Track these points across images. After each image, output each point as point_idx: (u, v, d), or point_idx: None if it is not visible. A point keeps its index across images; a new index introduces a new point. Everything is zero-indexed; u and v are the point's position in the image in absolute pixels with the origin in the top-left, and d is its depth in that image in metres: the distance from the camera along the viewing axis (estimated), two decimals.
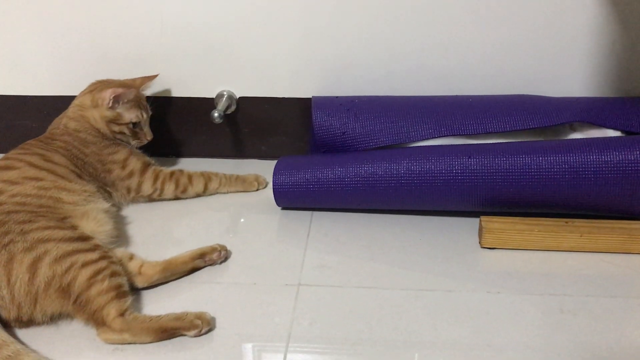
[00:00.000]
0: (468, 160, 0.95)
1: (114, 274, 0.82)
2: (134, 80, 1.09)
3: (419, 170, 0.96)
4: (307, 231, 1.01)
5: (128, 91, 1.03)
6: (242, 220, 1.04)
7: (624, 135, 1.00)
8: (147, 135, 1.09)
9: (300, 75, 1.14)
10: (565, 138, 1.02)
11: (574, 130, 1.01)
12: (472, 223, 1.00)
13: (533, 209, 0.97)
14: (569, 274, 0.89)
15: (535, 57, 1.07)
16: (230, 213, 1.06)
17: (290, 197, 1.03)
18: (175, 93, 1.17)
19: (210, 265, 0.93)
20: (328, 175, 1.00)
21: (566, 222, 0.94)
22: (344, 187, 0.99)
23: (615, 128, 0.99)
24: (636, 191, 0.91)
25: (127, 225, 1.04)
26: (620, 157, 0.90)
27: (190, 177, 1.09)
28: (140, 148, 1.10)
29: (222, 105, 1.13)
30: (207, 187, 1.09)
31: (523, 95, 1.06)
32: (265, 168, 1.17)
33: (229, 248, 0.96)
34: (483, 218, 0.95)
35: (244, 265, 0.93)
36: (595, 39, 1.04)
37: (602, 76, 1.08)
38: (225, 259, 0.94)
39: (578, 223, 0.94)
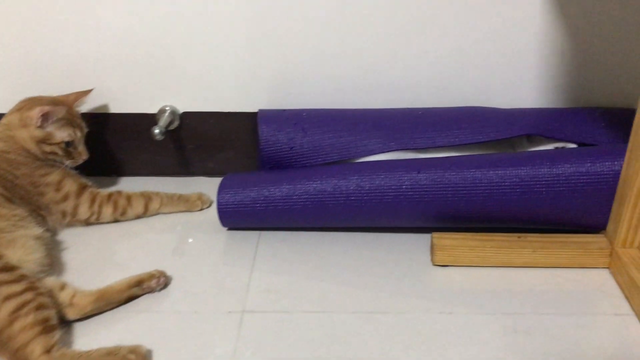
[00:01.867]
0: (417, 175, 0.92)
1: (40, 307, 0.76)
2: (67, 96, 1.02)
3: (368, 187, 0.93)
4: (254, 253, 0.96)
5: (58, 108, 0.97)
6: (184, 242, 0.99)
7: (575, 147, 0.99)
8: (83, 155, 1.03)
9: (247, 88, 1.09)
10: (520, 150, 1.00)
11: (530, 141, 0.99)
12: (425, 239, 0.97)
13: (486, 223, 0.94)
14: (523, 291, 0.87)
15: (485, 68, 1.05)
16: (173, 235, 1.01)
17: (235, 217, 0.98)
18: (114, 109, 1.11)
19: (149, 292, 0.87)
20: (275, 194, 0.96)
21: (519, 237, 0.91)
22: (292, 205, 0.95)
23: (566, 140, 0.98)
24: (589, 205, 0.89)
25: (63, 251, 0.98)
26: (572, 170, 0.88)
27: (129, 199, 1.03)
28: (76, 168, 1.03)
29: (163, 121, 1.08)
30: (148, 208, 1.04)
31: (473, 107, 1.04)
32: (213, 186, 1.11)
33: (169, 273, 0.91)
34: (434, 235, 0.92)
35: (185, 292, 0.88)
36: (545, 49, 1.03)
37: (553, 87, 1.06)
38: (165, 285, 0.89)
39: (531, 238, 0.91)
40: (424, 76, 1.06)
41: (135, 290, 0.86)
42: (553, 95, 1.07)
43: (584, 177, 0.88)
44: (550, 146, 0.98)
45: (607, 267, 0.90)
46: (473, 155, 0.95)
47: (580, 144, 0.99)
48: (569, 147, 0.97)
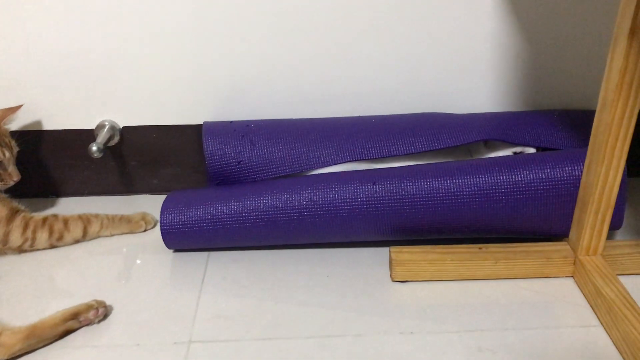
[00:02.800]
0: (373, 187, 0.87)
1: None
2: None
3: (322, 201, 0.88)
4: (202, 275, 0.90)
5: None
6: (127, 267, 0.92)
7: (534, 151, 0.96)
8: (13, 176, 0.95)
9: (191, 99, 1.03)
10: (477, 156, 0.96)
11: (488, 147, 0.96)
12: (384, 253, 0.92)
13: (446, 235, 0.90)
14: (486, 305, 0.83)
15: (440, 73, 1.01)
16: (114, 259, 0.94)
17: (181, 238, 0.91)
18: (48, 125, 1.04)
19: (87, 325, 0.80)
20: (223, 211, 0.90)
21: (480, 249, 0.87)
22: (242, 223, 0.89)
23: (525, 145, 0.94)
24: (550, 212, 0.86)
25: None
26: (531, 177, 0.85)
27: (66, 222, 0.95)
28: (7, 191, 0.96)
29: (102, 137, 1.01)
30: (87, 231, 0.96)
31: (429, 113, 1.00)
32: (157, 204, 1.03)
33: (110, 301, 0.84)
34: (392, 249, 0.88)
35: (126, 323, 0.81)
36: (499, 52, 1.00)
37: (509, 90, 1.03)
38: (105, 316, 0.82)
39: (492, 248, 0.88)
40: (377, 83, 1.02)
41: (71, 324, 0.79)
42: (510, 98, 1.04)
43: (544, 183, 0.85)
44: (508, 151, 0.95)
45: (572, 276, 0.87)
46: (430, 164, 0.91)
47: (539, 149, 0.96)
48: (527, 152, 0.94)
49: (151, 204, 1.06)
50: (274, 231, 0.90)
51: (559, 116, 1.00)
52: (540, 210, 0.86)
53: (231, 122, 0.99)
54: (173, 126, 1.05)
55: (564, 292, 0.85)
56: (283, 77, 1.01)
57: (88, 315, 0.79)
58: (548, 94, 1.04)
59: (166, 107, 1.04)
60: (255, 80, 1.01)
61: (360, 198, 0.87)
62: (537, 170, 0.85)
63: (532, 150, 0.95)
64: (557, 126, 0.98)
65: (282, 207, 0.89)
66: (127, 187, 1.11)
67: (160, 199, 1.01)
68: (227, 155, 0.94)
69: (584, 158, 0.84)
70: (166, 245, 0.93)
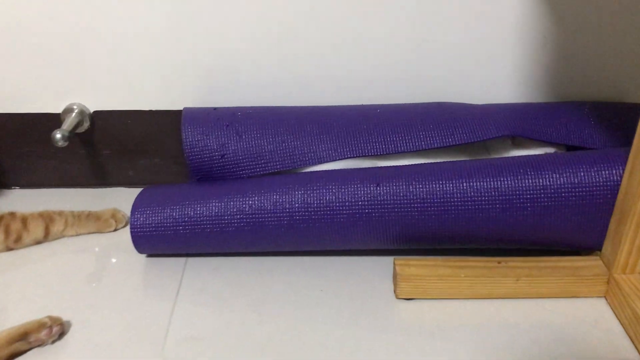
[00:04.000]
0: (377, 189, 0.75)
1: None
2: None
3: (316, 203, 0.76)
4: (178, 286, 0.78)
5: None
6: (91, 274, 0.80)
7: (562, 152, 0.84)
8: None
9: (171, 81, 0.90)
10: (497, 155, 0.84)
11: (515, 145, 0.83)
12: (387, 264, 0.81)
13: (459, 245, 0.79)
14: (504, 328, 0.71)
15: (454, 55, 0.88)
16: (79, 264, 0.82)
17: (154, 243, 0.79)
18: (7, 108, 0.91)
19: (39, 346, 0.69)
20: (202, 213, 0.78)
21: (499, 263, 0.75)
22: (224, 227, 0.77)
23: (552, 142, 0.82)
24: (582, 222, 0.74)
25: None
26: (562, 181, 0.73)
27: (25, 221, 0.83)
28: None
29: (69, 123, 0.88)
30: (49, 231, 0.84)
31: (442, 103, 0.87)
32: (134, 198, 0.93)
33: (69, 317, 0.72)
34: (397, 261, 0.76)
35: (85, 344, 0.69)
36: (523, 33, 0.87)
37: (534, 78, 0.90)
38: (61, 335, 0.70)
39: (513, 263, 0.76)
40: (384, 67, 0.89)
41: (19, 345, 0.67)
42: (534, 88, 0.91)
43: (577, 189, 0.72)
44: (538, 151, 0.82)
45: (604, 297, 0.75)
46: (443, 163, 0.78)
47: (567, 147, 0.84)
48: (556, 153, 0.82)
49: (126, 198, 0.94)
50: (261, 237, 0.78)
51: (590, 110, 0.87)
52: (572, 221, 0.74)
53: (215, 108, 0.86)
54: (151, 111, 0.93)
55: (595, 315, 0.73)
56: (276, 58, 0.88)
57: (40, 335, 0.68)
58: (578, 84, 0.91)
59: (143, 89, 0.91)
60: (244, 60, 0.89)
61: (361, 201, 0.75)
62: (569, 174, 0.73)
63: (557, 150, 0.83)
64: (588, 121, 0.85)
65: (270, 209, 0.76)
66: (99, 179, 0.98)
67: (136, 192, 0.89)
68: (210, 148, 0.82)
69: (625, 160, 0.71)
70: (137, 250, 0.81)
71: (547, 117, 0.85)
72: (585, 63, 0.89)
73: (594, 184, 0.72)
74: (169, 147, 0.95)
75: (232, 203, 0.77)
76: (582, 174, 0.73)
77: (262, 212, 0.77)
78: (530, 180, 0.73)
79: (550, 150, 0.83)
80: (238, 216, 0.77)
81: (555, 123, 0.84)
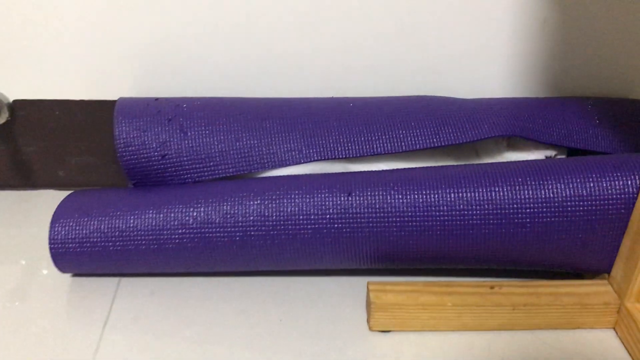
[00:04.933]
0: (348, 199, 0.62)
1: None
2: None
3: (276, 215, 0.63)
4: (107, 314, 0.64)
5: None
6: (2, 295, 0.66)
7: (562, 154, 0.72)
8: None
9: (106, 66, 0.76)
10: (487, 158, 0.72)
11: (511, 147, 0.71)
12: (359, 287, 0.68)
13: (445, 265, 0.67)
14: None
15: (441, 42, 0.76)
16: None
17: (78, 261, 0.66)
18: None
19: None
20: (137, 226, 0.64)
21: (492, 288, 0.64)
22: (163, 244, 0.64)
23: (554, 145, 0.70)
24: (590, 240, 0.62)
25: None
26: (568, 192, 0.61)
27: None
28: None
29: None
30: None
31: (426, 97, 0.75)
32: None
33: None
34: (371, 286, 0.63)
35: None
36: (520, 20, 0.74)
37: (530, 70, 0.78)
38: None
39: (508, 288, 0.64)
40: (358, 53, 0.76)
41: None
42: (530, 80, 0.79)
43: (586, 202, 0.61)
44: (537, 154, 0.71)
45: (613, 328, 0.64)
46: (426, 168, 0.66)
47: (569, 150, 0.72)
48: (560, 158, 0.70)
49: (56, 203, 0.79)
50: (208, 256, 0.65)
51: (594, 106, 0.75)
52: (578, 239, 0.62)
53: (156, 99, 0.72)
54: (83, 102, 0.78)
55: (603, 350, 0.62)
56: (233, 40, 0.75)
57: None
58: (580, 77, 0.79)
59: (73, 75, 0.77)
60: (193, 41, 0.75)
61: (329, 214, 0.63)
62: (576, 184, 0.61)
63: (562, 153, 0.72)
64: (592, 120, 0.74)
65: (220, 222, 0.63)
66: (23, 179, 0.84)
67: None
68: (147, 146, 0.68)
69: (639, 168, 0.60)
70: (58, 269, 0.67)
71: (547, 114, 0.73)
72: (589, 52, 0.78)
73: (606, 197, 0.61)
74: (105, 144, 0.81)
75: (172, 214, 0.64)
76: (591, 184, 0.61)
77: (210, 225, 0.63)
78: (530, 192, 0.61)
79: (550, 153, 0.72)
80: (180, 230, 0.64)
81: (555, 121, 0.72)
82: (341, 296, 0.67)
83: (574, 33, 0.76)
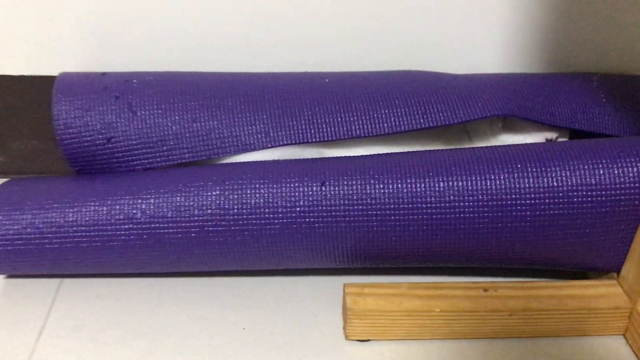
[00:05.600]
0: (322, 190, 0.54)
1: None
2: None
3: (238, 208, 0.54)
4: (43, 322, 0.56)
5: None
6: None
7: (564, 137, 0.64)
8: None
9: (49, 36, 0.67)
10: (481, 141, 0.64)
11: (506, 128, 0.63)
12: (335, 287, 0.60)
13: (432, 264, 0.58)
14: None
15: (429, 9, 0.67)
16: None
17: (11, 260, 0.57)
18: None
19: None
20: (76, 220, 0.55)
21: (485, 291, 0.55)
22: (107, 241, 0.55)
23: (556, 126, 0.62)
24: (598, 235, 0.54)
25: None
26: (574, 181, 0.53)
27: None
28: None
29: None
30: None
31: (411, 72, 0.66)
32: None
33: None
34: (348, 289, 0.55)
35: None
36: None
37: (528, 42, 0.70)
38: None
39: (505, 291, 0.56)
40: (336, 21, 0.67)
41: None
42: (529, 53, 0.71)
43: (595, 192, 0.53)
44: (536, 136, 0.62)
45: (623, 335, 0.57)
46: (412, 153, 0.58)
47: (571, 132, 0.64)
48: (563, 141, 0.62)
49: None
50: (159, 255, 0.56)
51: (599, 83, 0.67)
52: (584, 234, 0.54)
53: (103, 74, 0.63)
54: (23, 77, 0.69)
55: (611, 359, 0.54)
56: (189, 4, 0.65)
57: None
58: (584, 50, 0.71)
59: (11, 48, 0.67)
60: (146, 8, 0.65)
61: (300, 206, 0.54)
62: (584, 171, 0.53)
63: (564, 135, 0.64)
64: (598, 98, 0.66)
65: (172, 217, 0.55)
66: None
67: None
68: (91, 128, 0.59)
69: None
70: None
71: (547, 92, 0.64)
72: (595, 22, 0.69)
73: (617, 186, 0.53)
74: (50, 126, 0.71)
75: (118, 207, 0.55)
76: (600, 171, 0.53)
77: (161, 220, 0.55)
78: (531, 180, 0.53)
79: (551, 135, 0.63)
80: (126, 226, 0.55)
81: (557, 100, 0.64)
82: (314, 299, 0.59)
83: (576, 3, 0.68)
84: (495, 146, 0.58)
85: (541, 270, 0.61)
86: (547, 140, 0.62)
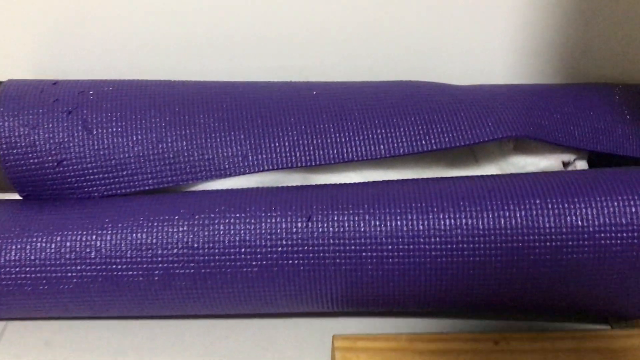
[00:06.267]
0: (308, 226, 0.46)
1: None
2: None
3: (209, 247, 0.47)
4: None
5: None
6: None
7: (583, 159, 0.57)
8: None
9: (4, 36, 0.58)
10: (489, 165, 0.56)
11: (518, 149, 0.56)
12: (324, 334, 0.52)
13: (434, 309, 0.51)
14: None
15: (432, 11, 0.59)
16: None
17: None
18: None
19: None
20: (20, 258, 0.47)
21: (496, 343, 0.48)
22: (55, 284, 0.47)
23: (576, 148, 0.55)
24: (628, 280, 0.47)
25: None
26: (603, 220, 0.45)
27: None
28: None
29: None
30: None
31: (412, 83, 0.58)
32: None
33: None
34: (338, 342, 0.47)
35: None
36: None
37: (542, 49, 0.62)
38: None
39: (517, 342, 0.48)
40: (324, 24, 0.59)
41: None
42: (541, 62, 0.63)
43: (627, 234, 0.45)
44: (551, 158, 0.55)
45: None
46: (412, 183, 0.50)
47: (591, 153, 0.57)
48: (587, 170, 0.54)
49: None
50: (118, 299, 0.48)
51: (621, 97, 0.60)
52: (611, 280, 0.47)
53: (55, 82, 0.54)
54: None
55: None
56: (158, 1, 0.57)
57: None
58: (603, 59, 0.63)
59: None
60: (109, 6, 0.57)
61: (282, 245, 0.46)
62: (614, 209, 0.46)
63: (583, 157, 0.56)
64: (621, 114, 0.58)
65: (132, 257, 0.47)
66: None
67: None
68: (39, 148, 0.51)
69: None
70: None
71: (564, 107, 0.57)
72: (616, 27, 0.61)
73: None
74: None
75: (68, 244, 0.47)
76: (633, 209, 0.46)
77: (119, 260, 0.47)
78: (552, 219, 0.46)
79: (568, 157, 0.56)
80: (78, 267, 0.47)
81: (575, 117, 0.56)
82: (297, 348, 0.51)
83: (597, 2, 0.60)
84: (510, 175, 0.50)
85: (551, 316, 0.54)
86: (563, 163, 0.55)
